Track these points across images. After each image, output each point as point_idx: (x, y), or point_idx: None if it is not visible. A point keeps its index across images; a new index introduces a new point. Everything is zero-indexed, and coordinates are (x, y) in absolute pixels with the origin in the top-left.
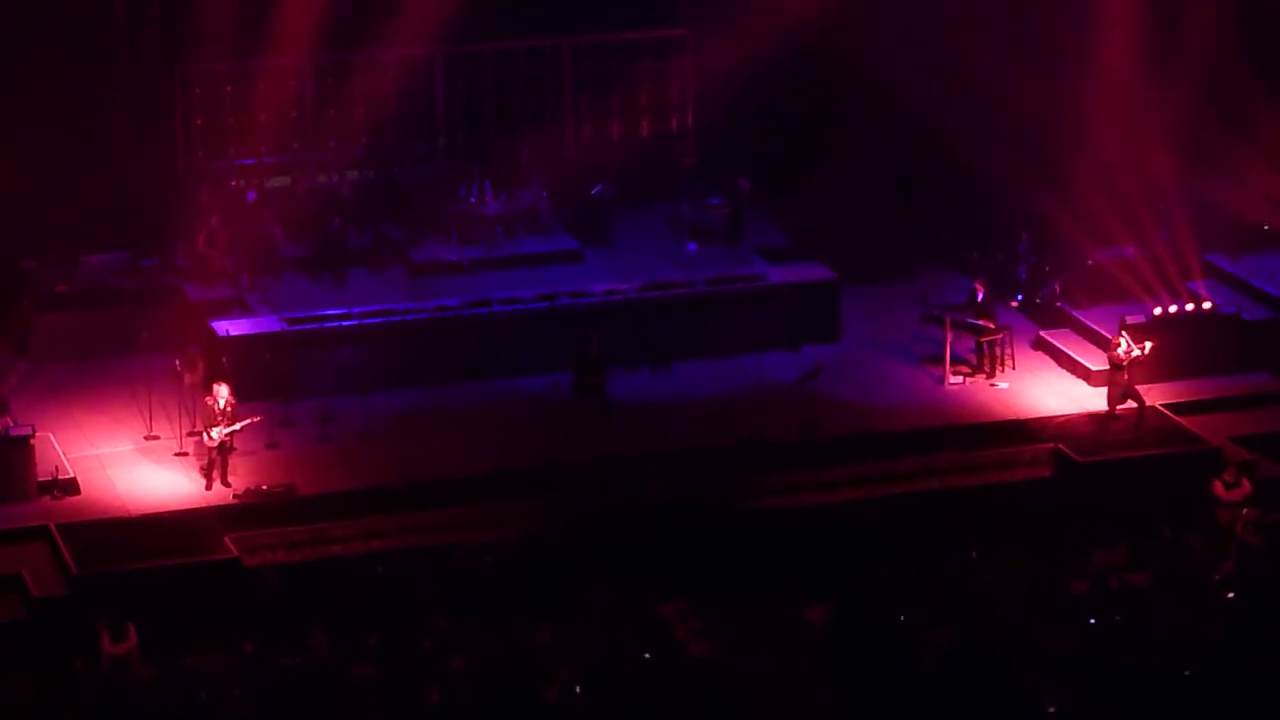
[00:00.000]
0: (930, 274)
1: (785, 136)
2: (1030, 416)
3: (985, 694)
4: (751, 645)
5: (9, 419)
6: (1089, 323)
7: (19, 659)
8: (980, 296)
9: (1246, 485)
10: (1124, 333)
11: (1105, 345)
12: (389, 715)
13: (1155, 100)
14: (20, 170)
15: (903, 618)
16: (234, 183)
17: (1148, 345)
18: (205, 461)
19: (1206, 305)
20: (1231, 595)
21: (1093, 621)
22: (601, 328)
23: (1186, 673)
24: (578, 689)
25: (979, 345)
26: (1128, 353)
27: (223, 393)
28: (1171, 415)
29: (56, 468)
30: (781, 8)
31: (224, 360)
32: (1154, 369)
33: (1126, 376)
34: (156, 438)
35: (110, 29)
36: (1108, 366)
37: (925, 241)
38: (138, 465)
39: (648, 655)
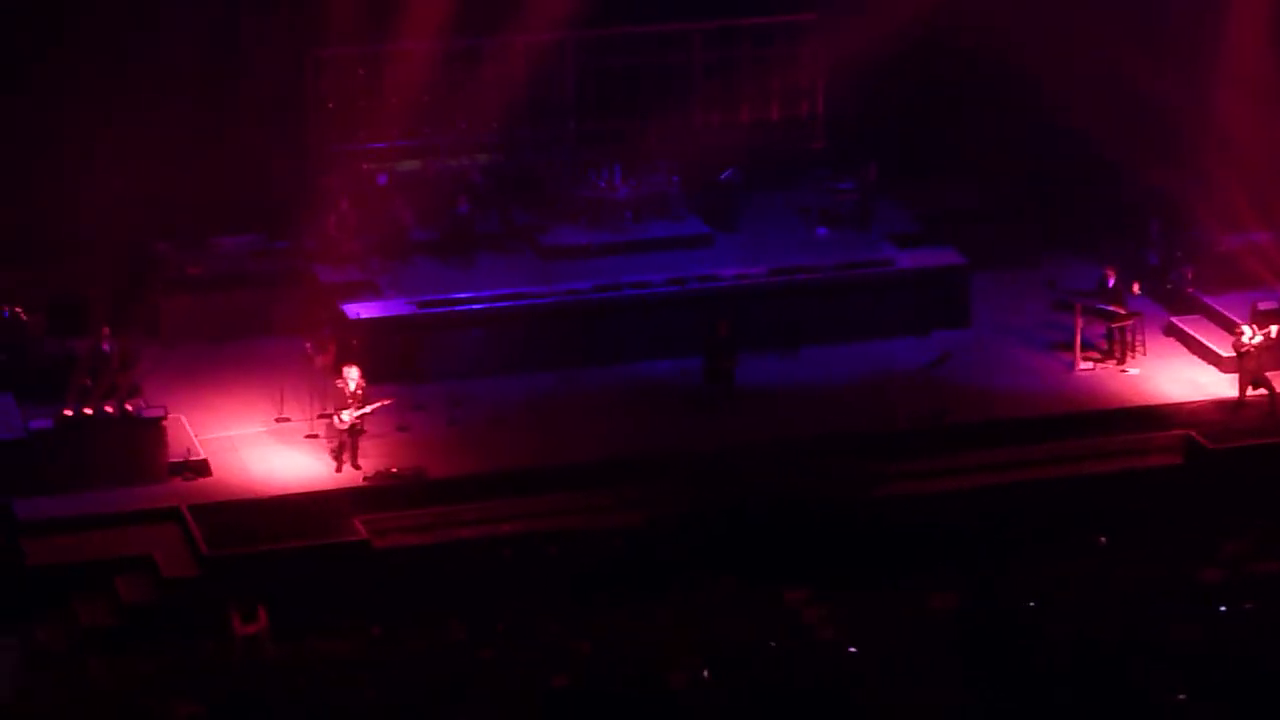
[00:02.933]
0: (1060, 260)
1: (915, 122)
2: (1161, 403)
3: (1112, 685)
4: (878, 632)
5: (141, 401)
6: (1220, 309)
7: (151, 639)
8: (1111, 283)
9: None
10: (1250, 322)
11: (1236, 331)
12: (515, 699)
13: None
14: (153, 152)
15: (1031, 607)
16: (364, 166)
17: (1274, 329)
18: (335, 444)
19: None
20: None
21: (1223, 610)
22: (730, 313)
23: None
24: (705, 674)
25: (1110, 331)
26: (1252, 339)
27: (353, 375)
28: None
29: (188, 449)
30: None
31: (354, 343)
32: None
33: (1255, 364)
34: (287, 420)
35: (243, 12)
36: (1234, 354)
37: (1055, 227)
38: (268, 447)
39: (774, 643)
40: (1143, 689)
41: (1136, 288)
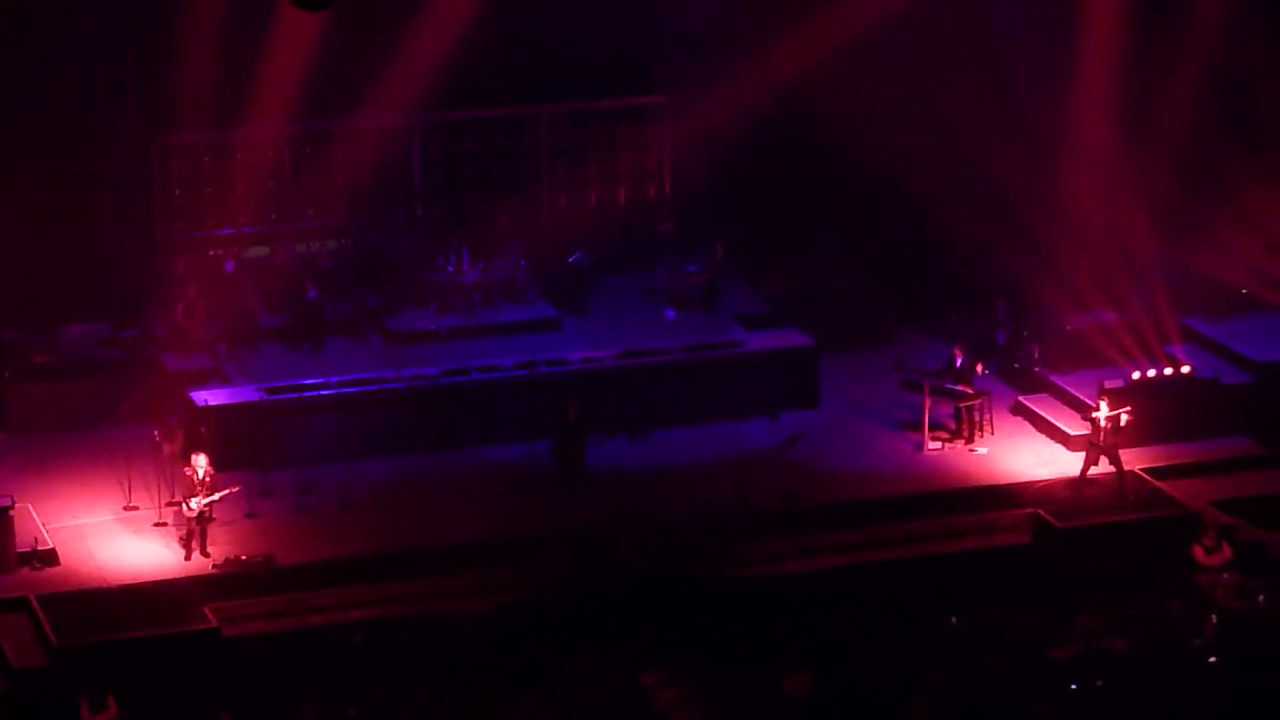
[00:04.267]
0: (909, 340)
1: (764, 203)
2: (1009, 482)
3: None
4: (732, 715)
5: None
6: (1067, 388)
7: None
8: (959, 362)
9: (1227, 550)
10: (1104, 398)
11: (1084, 410)
12: None
13: (1133, 166)
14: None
15: (884, 685)
16: (212, 253)
17: (1124, 416)
18: (184, 532)
19: (1185, 369)
20: (1212, 660)
21: (1074, 687)
22: (579, 395)
23: None
24: None
25: (957, 411)
26: (1107, 413)
27: (201, 463)
28: (1151, 480)
29: (36, 539)
30: (760, 76)
31: (202, 430)
32: (1132, 434)
33: (1106, 441)
34: (135, 508)
35: (90, 100)
36: (1088, 430)
37: (905, 307)
38: (117, 536)
39: None
40: None
41: (980, 368)
